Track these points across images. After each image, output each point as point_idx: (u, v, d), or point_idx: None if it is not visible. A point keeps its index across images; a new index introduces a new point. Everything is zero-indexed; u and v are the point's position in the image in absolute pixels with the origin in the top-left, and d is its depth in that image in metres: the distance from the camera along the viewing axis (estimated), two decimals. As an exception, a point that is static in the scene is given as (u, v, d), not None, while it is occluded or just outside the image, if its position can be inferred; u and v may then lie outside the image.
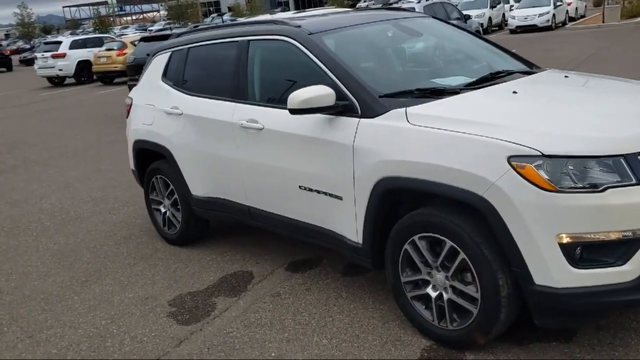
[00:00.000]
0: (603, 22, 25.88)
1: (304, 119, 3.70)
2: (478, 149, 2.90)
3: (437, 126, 3.10)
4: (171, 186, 5.08)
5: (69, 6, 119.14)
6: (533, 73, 4.02)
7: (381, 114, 3.36)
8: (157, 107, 5.02)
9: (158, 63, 5.23)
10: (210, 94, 4.57)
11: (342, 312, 3.81)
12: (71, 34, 53.40)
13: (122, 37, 25.68)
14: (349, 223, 3.59)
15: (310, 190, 3.78)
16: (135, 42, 22.13)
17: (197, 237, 5.23)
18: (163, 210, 5.32)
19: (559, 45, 19.71)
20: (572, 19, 29.68)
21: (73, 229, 6.06)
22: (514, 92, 3.43)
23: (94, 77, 23.07)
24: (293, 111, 3.52)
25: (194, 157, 4.70)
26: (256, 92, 4.22)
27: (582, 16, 31.88)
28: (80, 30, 69.72)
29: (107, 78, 22.27)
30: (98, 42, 24.12)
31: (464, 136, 2.97)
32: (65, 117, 14.63)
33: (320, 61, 3.72)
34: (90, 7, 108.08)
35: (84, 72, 23.43)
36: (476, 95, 3.47)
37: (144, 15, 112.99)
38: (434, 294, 3.28)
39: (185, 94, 4.80)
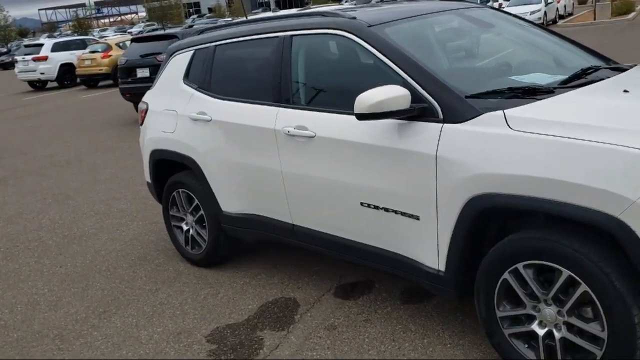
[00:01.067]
0: (594, 19, 25.70)
1: (367, 125, 3.18)
2: (609, 160, 2.39)
3: (549, 132, 2.58)
4: (196, 201, 4.51)
5: (45, 9, 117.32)
6: (622, 69, 3.53)
7: (471, 118, 2.84)
8: (179, 113, 4.46)
9: (177, 63, 4.66)
10: (245, 97, 4.02)
11: (415, 349, 3.28)
12: (48, 36, 52.24)
13: (107, 39, 24.84)
14: (428, 247, 3.07)
15: (376, 207, 3.25)
16: (120, 44, 21.50)
17: (225, 257, 4.68)
18: (185, 227, 4.74)
19: (555, 42, 19.33)
20: (561, 17, 29.47)
21: (79, 249, 5.46)
22: (625, 91, 2.94)
23: (77, 80, 22.29)
24: (361, 116, 2.99)
25: (226, 169, 4.14)
26: (303, 95, 3.69)
27: (570, 14, 31.74)
28: (58, 33, 68.36)
29: (92, 81, 21.49)
30: (81, 45, 23.30)
31: (588, 144, 2.46)
32: (51, 123, 13.92)
33: (386, 57, 3.19)
34: (67, 9, 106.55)
35: (67, 76, 22.59)
36: (581, 96, 2.96)
37: (122, 17, 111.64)
38: (541, 332, 2.76)
39: (215, 97, 4.24)
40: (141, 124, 4.97)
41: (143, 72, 11.86)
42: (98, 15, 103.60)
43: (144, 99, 4.98)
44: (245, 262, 4.69)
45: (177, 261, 4.88)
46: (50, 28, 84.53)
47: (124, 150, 9.74)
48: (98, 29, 65.79)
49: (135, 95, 12.11)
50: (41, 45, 22.92)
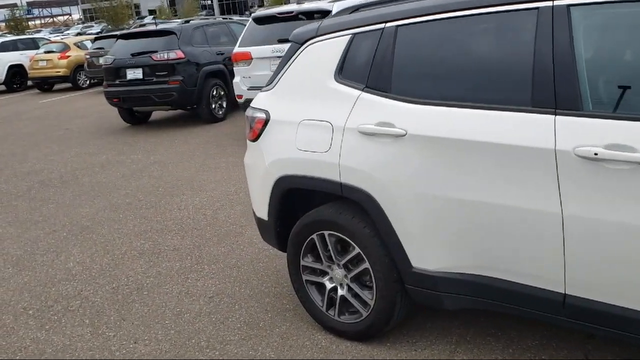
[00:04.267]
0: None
1: None
2: None
3: None
4: (357, 250, 3.13)
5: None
6: None
7: None
8: (337, 125, 3.07)
9: (319, 54, 3.26)
10: (473, 100, 2.69)
11: None
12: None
13: (64, 38, 22.66)
14: None
15: None
16: (79, 44, 19.57)
17: (392, 328, 3.31)
18: (329, 285, 3.35)
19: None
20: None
21: (147, 310, 3.96)
22: None
23: (29, 83, 20.15)
24: None
25: (433, 208, 2.78)
26: (611, 96, 2.38)
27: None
28: (-13, 34, 64.14)
29: (47, 84, 19.43)
30: (32, 44, 21.10)
31: None
32: (18, 133, 12.02)
33: None
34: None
35: (17, 78, 20.38)
36: None
37: (54, 19, 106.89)
38: None
39: (405, 102, 2.88)
40: (254, 140, 3.53)
41: (135, 74, 10.22)
42: (29, 16, 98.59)
43: (259, 104, 3.54)
44: (412, 330, 3.34)
45: (309, 330, 3.48)
46: (-21, 29, 79.50)
47: (129, 166, 8.14)
48: (32, 30, 62.16)
49: (125, 100, 10.47)
50: (-14, 44, 20.60)
